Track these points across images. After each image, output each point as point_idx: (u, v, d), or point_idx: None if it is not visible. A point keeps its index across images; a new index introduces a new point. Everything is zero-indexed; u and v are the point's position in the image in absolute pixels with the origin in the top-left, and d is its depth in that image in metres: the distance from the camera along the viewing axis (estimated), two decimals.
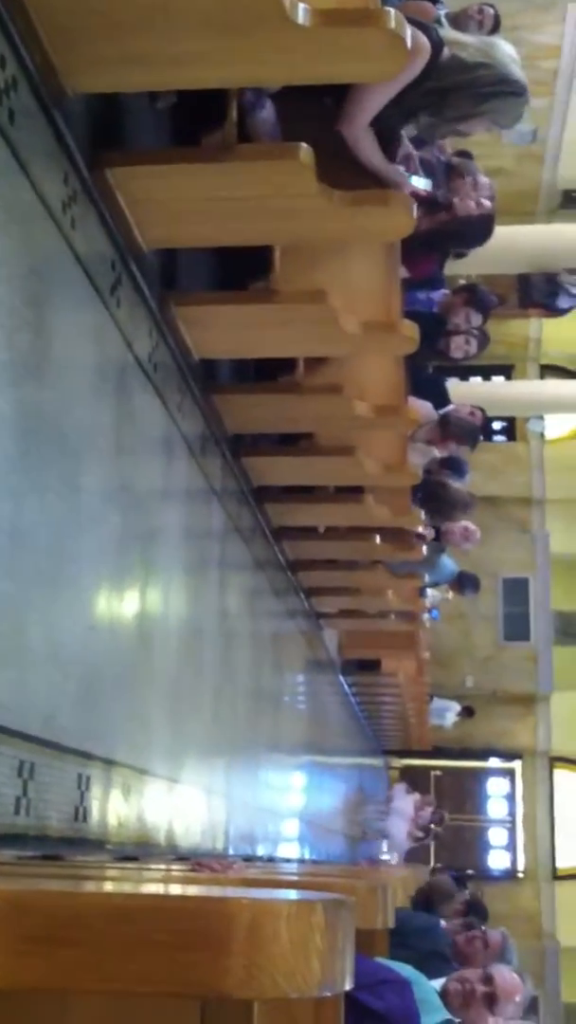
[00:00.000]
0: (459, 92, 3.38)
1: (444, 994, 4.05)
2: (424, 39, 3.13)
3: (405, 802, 13.76)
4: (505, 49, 3.48)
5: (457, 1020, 3.86)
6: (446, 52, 3.33)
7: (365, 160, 3.32)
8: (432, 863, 18.39)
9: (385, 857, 14.90)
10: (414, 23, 2.81)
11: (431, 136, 3.86)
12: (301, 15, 2.42)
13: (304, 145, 2.93)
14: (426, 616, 10.00)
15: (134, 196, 3.04)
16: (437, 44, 3.29)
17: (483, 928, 4.68)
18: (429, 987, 3.83)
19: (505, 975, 4.13)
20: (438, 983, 4.13)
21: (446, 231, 5.22)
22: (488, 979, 4.08)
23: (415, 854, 17.13)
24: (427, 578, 8.54)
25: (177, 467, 4.01)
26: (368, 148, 3.32)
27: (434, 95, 3.34)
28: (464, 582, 9.63)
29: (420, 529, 6.47)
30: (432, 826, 13.84)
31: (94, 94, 2.82)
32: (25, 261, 2.50)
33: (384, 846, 14.70)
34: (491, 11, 6.73)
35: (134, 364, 3.37)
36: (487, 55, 3.40)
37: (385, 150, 3.41)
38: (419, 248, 5.10)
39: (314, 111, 3.28)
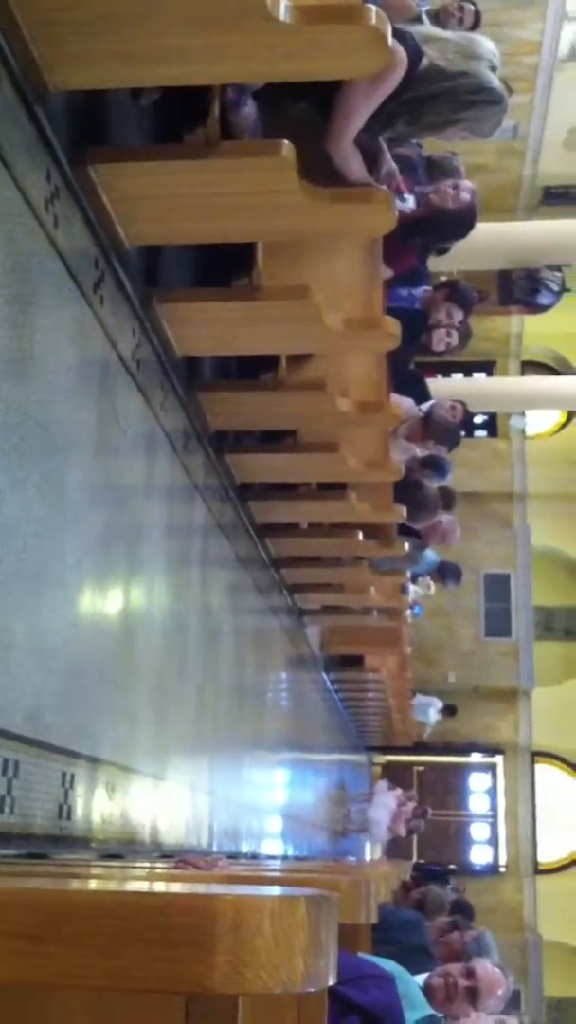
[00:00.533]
0: (437, 99, 3.38)
1: (427, 989, 4.07)
2: (402, 52, 3.13)
3: (387, 797, 13.75)
4: (487, 46, 3.49)
5: (440, 1015, 3.89)
6: (424, 61, 3.33)
7: (348, 177, 3.33)
8: (415, 858, 18.47)
9: (368, 854, 14.96)
10: (392, 32, 2.82)
11: (408, 141, 3.87)
12: (283, 12, 2.42)
13: (286, 142, 2.93)
14: (408, 612, 10.03)
15: (117, 193, 3.04)
16: (415, 53, 3.29)
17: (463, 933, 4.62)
18: (412, 982, 3.85)
19: (487, 969, 4.15)
20: (421, 978, 4.15)
21: (424, 222, 5.23)
22: (470, 973, 4.10)
23: (397, 848, 17.19)
24: (408, 570, 8.56)
25: (160, 464, 4.01)
26: (355, 165, 3.33)
27: (412, 103, 3.35)
28: (446, 572, 9.65)
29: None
30: (414, 821, 13.84)
31: (76, 90, 2.82)
32: (7, 258, 2.49)
33: (366, 841, 14.71)
34: (471, 8, 6.74)
35: (117, 361, 3.37)
36: (468, 54, 3.41)
37: (368, 165, 3.43)
38: (397, 240, 5.12)
39: (293, 113, 3.29)
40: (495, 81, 3.47)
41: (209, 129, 2.99)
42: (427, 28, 3.60)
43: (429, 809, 14.71)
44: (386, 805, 13.44)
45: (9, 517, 2.50)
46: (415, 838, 17.52)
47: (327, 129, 3.25)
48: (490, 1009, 4.09)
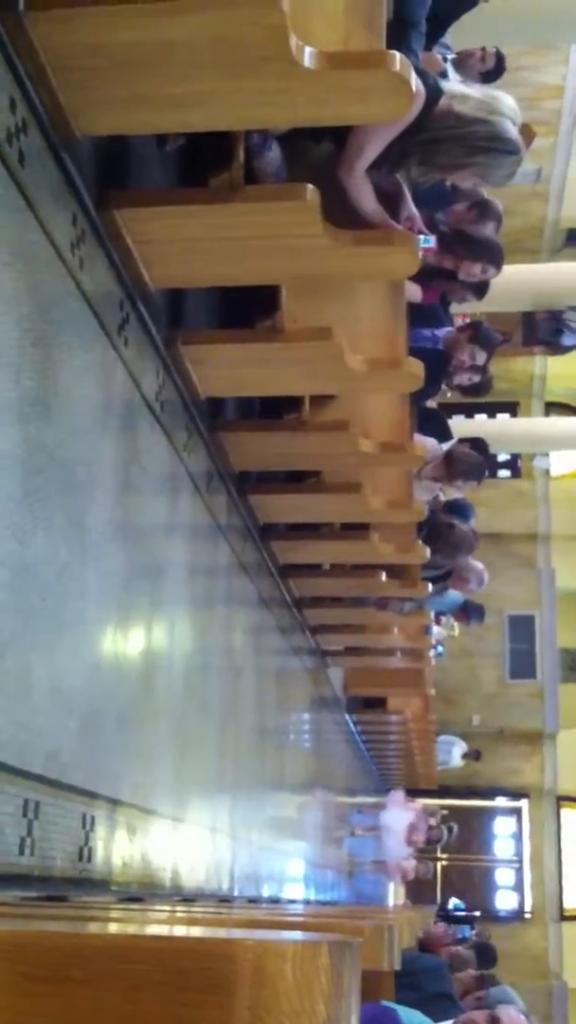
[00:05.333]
0: (450, 143, 3.40)
1: None
2: (419, 84, 3.17)
3: (403, 807, 12.66)
4: (508, 103, 3.51)
5: None
6: (444, 103, 3.36)
7: (362, 208, 3.36)
8: (439, 901, 18.26)
9: (391, 898, 14.61)
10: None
11: (420, 183, 3.89)
12: (307, 58, 2.45)
13: (310, 186, 2.96)
14: (431, 653, 9.97)
15: (142, 236, 3.07)
16: (434, 91, 3.32)
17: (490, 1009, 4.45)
18: None
19: (512, 1016, 4.08)
20: None
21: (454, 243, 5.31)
22: (494, 1020, 4.03)
23: (421, 893, 16.98)
24: (431, 610, 8.53)
25: (183, 504, 4.02)
26: (365, 196, 3.36)
27: (426, 144, 3.38)
28: (469, 611, 9.60)
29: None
30: (435, 831, 12.85)
31: (102, 136, 2.86)
32: (34, 301, 2.52)
33: (387, 883, 14.08)
34: (494, 51, 6.81)
35: (141, 402, 3.39)
36: (489, 111, 3.43)
37: (388, 207, 3.45)
38: (421, 282, 5.15)
39: (315, 155, 3.32)
40: (513, 132, 3.48)
41: (234, 173, 3.02)
42: (452, 85, 3.63)
43: (455, 826, 13.91)
44: (402, 814, 12.55)
45: (31, 557, 2.50)
46: (439, 883, 17.32)
47: (340, 159, 3.27)
48: None
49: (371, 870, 12.61)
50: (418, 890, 17.56)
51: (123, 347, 3.16)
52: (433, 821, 12.77)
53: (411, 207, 3.70)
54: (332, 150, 3.33)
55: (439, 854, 17.57)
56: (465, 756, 17.38)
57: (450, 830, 13.23)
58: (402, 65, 2.54)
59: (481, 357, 6.17)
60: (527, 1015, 4.27)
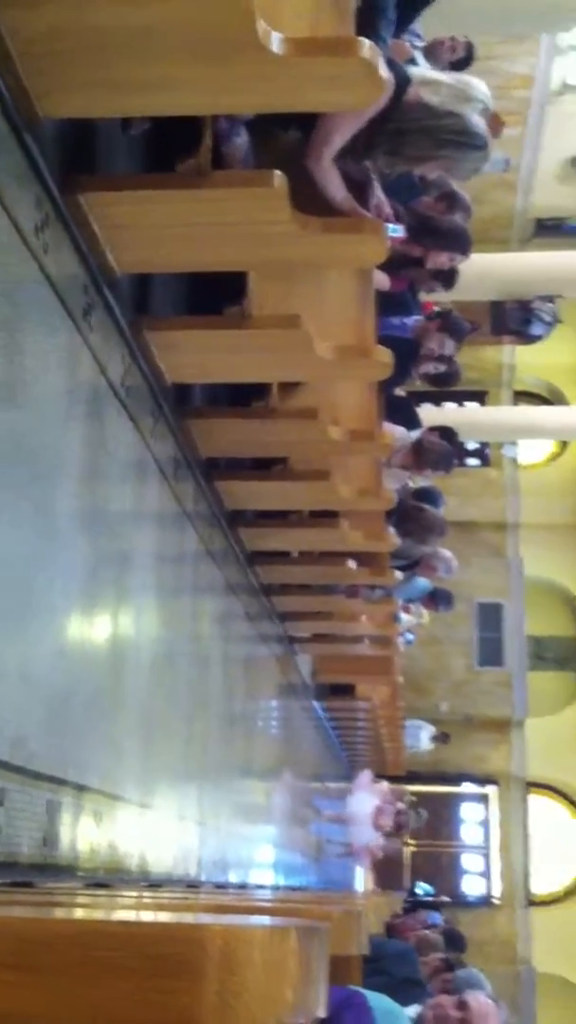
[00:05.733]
0: (419, 134, 3.40)
1: (419, 1022, 4.03)
2: (388, 72, 3.16)
3: (370, 791, 12.53)
4: (481, 90, 3.50)
5: None
6: (412, 92, 3.35)
7: (330, 196, 3.35)
8: (407, 887, 18.37)
9: (360, 883, 14.65)
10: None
11: (386, 173, 3.89)
12: (276, 44, 2.44)
13: (278, 172, 2.94)
14: (401, 640, 10.00)
15: (108, 221, 3.05)
16: (402, 79, 3.31)
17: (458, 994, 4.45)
18: (404, 1018, 3.80)
19: (480, 1001, 4.11)
20: (413, 1010, 4.11)
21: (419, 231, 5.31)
22: (462, 1005, 4.06)
23: (389, 879, 17.08)
24: (400, 597, 8.56)
25: (150, 491, 4.00)
26: (333, 184, 3.35)
27: (394, 134, 3.37)
28: (438, 598, 9.64)
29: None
30: (403, 816, 12.75)
31: (67, 119, 2.83)
32: None
33: (354, 865, 14.07)
34: (464, 40, 6.82)
35: (107, 388, 3.37)
36: (462, 97, 3.42)
37: (357, 195, 3.45)
38: (389, 271, 5.15)
39: (283, 142, 3.31)
40: (481, 127, 3.48)
41: (201, 159, 3.00)
42: (422, 70, 3.63)
43: (424, 812, 13.89)
44: (369, 796, 12.32)
45: None
46: (407, 869, 17.41)
47: (307, 146, 3.26)
48: None
49: (339, 853, 12.58)
50: (386, 875, 17.65)
51: (89, 332, 3.14)
52: (401, 805, 12.76)
53: (379, 194, 3.69)
54: (300, 137, 3.32)
55: (408, 839, 17.64)
56: (433, 739, 17.44)
57: (418, 814, 13.24)
58: (371, 52, 2.53)
59: (450, 346, 6.19)
60: (495, 1000, 4.30)
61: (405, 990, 4.50)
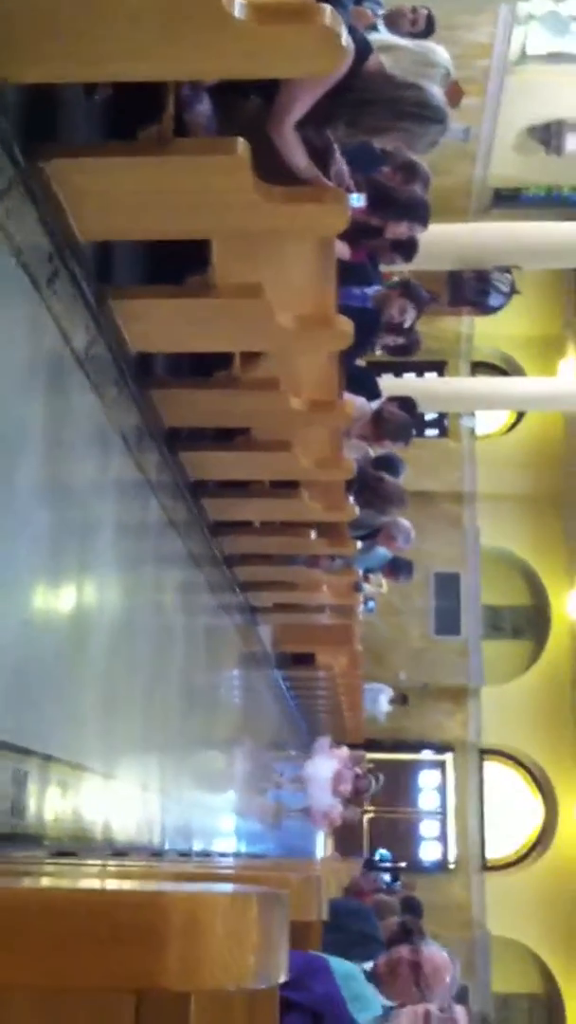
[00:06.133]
0: (379, 104, 3.39)
1: (374, 972, 4.05)
2: (349, 40, 3.14)
3: (329, 755, 12.57)
4: (443, 56, 3.49)
5: (392, 1003, 3.87)
6: (374, 59, 3.33)
7: (293, 164, 3.34)
8: (366, 853, 18.55)
9: (319, 849, 14.74)
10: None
11: (345, 143, 3.88)
12: (237, 10, 2.42)
13: (241, 140, 2.93)
14: (362, 608, 10.03)
15: (71, 188, 3.02)
16: (363, 47, 3.29)
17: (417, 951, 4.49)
18: (364, 982, 3.83)
19: (434, 951, 4.15)
20: (370, 965, 4.14)
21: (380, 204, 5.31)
22: (415, 952, 4.10)
23: (348, 843, 17.22)
24: (360, 566, 8.59)
25: (113, 461, 3.99)
26: (296, 152, 3.34)
27: (354, 105, 3.35)
28: (398, 568, 9.67)
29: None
30: (363, 780, 12.80)
31: (29, 85, 2.80)
32: None
33: (316, 830, 14.13)
34: (424, 11, 6.78)
35: (70, 357, 3.35)
36: (424, 62, 3.41)
37: (318, 163, 3.43)
38: (349, 240, 5.15)
39: (246, 111, 3.29)
40: (440, 100, 3.47)
41: (164, 126, 2.98)
42: (384, 36, 3.61)
43: (381, 776, 13.94)
44: (328, 761, 12.22)
45: None
46: (366, 834, 17.55)
47: (269, 113, 3.25)
48: (437, 997, 4.08)
49: (298, 818, 12.64)
50: (346, 841, 17.81)
51: (52, 300, 3.12)
52: (360, 770, 12.84)
53: (340, 162, 3.68)
54: (261, 104, 3.30)
55: (366, 805, 17.78)
56: (392, 702, 17.54)
57: (376, 779, 13.33)
58: (332, 19, 2.52)
59: (411, 314, 6.18)
60: (451, 954, 4.34)
61: (363, 944, 4.55)
